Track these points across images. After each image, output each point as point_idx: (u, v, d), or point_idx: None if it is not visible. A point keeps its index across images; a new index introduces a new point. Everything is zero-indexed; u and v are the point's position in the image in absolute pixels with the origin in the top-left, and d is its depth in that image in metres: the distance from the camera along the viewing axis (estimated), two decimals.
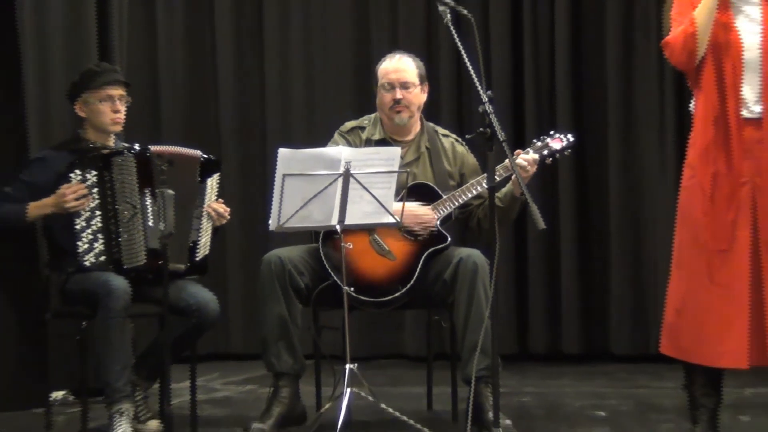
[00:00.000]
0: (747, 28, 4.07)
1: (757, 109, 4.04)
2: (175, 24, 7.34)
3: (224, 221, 5.03)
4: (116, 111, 4.94)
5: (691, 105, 4.18)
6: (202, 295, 4.89)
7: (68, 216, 4.77)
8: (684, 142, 4.37)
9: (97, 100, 4.94)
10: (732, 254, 4.00)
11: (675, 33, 4.06)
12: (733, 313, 3.99)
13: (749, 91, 4.04)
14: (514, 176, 4.70)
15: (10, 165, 5.31)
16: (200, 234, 4.95)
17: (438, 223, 4.86)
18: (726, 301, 4.00)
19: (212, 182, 5.00)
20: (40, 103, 5.66)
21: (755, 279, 4.00)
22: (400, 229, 4.82)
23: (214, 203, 4.99)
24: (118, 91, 4.96)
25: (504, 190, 4.84)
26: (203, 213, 4.95)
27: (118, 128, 4.98)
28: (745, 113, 4.04)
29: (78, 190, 4.76)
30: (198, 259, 4.96)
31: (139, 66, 6.99)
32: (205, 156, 4.99)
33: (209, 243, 5.00)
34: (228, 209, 5.03)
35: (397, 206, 4.66)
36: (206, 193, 4.97)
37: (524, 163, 4.76)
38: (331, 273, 4.77)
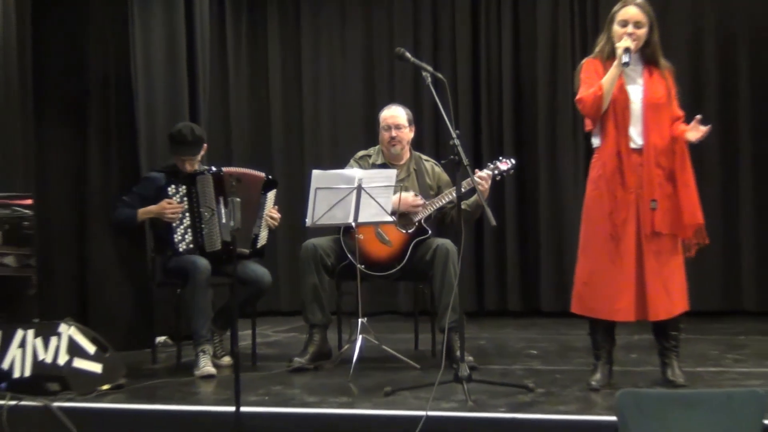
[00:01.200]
0: (633, 89, 4.05)
1: (639, 141, 4.04)
2: (241, 81, 7.38)
3: (276, 223, 5.02)
4: (184, 166, 4.89)
5: (593, 140, 4.16)
6: (260, 270, 4.90)
7: None
8: None
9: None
10: (622, 242, 3.98)
11: (587, 93, 4.01)
12: (623, 283, 3.98)
13: (634, 131, 4.03)
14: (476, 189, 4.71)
15: (128, 182, 5.33)
16: (260, 230, 4.96)
17: (422, 220, 4.88)
18: (618, 274, 3.98)
19: (271, 195, 4.99)
20: (148, 134, 5.67)
21: (638, 259, 3.98)
22: (396, 225, 4.84)
23: (271, 209, 4.99)
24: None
25: (470, 199, 4.85)
26: (263, 216, 4.96)
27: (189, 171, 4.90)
28: (632, 145, 4.03)
29: (175, 208, 4.77)
30: (258, 246, 4.97)
31: (217, 107, 7.02)
32: (267, 176, 5.01)
33: (266, 236, 5.00)
34: (279, 215, 5.02)
35: (394, 198, 4.66)
36: (266, 202, 4.96)
37: (482, 179, 4.78)
38: (349, 255, 4.79)
